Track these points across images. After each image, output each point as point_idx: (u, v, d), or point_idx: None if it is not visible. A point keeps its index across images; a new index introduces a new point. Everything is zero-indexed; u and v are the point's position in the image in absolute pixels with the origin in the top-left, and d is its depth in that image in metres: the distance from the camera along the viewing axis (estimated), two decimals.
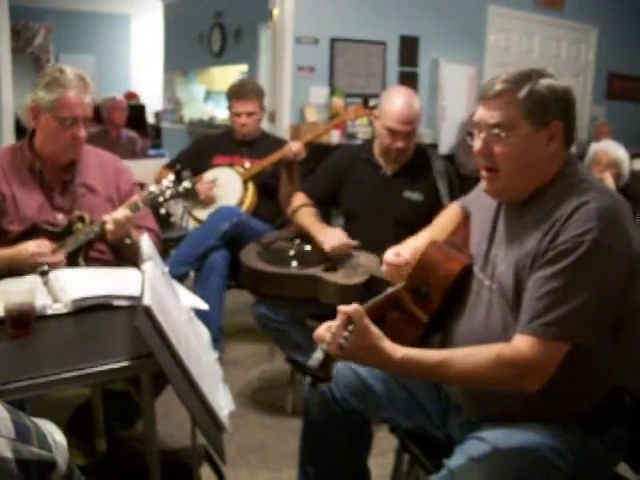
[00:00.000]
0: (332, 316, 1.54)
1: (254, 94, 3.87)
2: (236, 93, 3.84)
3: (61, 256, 2.24)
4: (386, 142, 2.94)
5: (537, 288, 1.50)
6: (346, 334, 1.40)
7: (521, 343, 1.49)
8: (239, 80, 4.01)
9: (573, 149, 5.33)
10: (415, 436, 1.90)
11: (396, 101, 2.91)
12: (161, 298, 1.49)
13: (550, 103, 1.56)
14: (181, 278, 3.34)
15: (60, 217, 2.36)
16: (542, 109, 1.55)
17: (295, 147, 3.63)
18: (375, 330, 1.46)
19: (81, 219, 2.34)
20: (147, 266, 1.54)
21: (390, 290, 1.76)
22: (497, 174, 1.61)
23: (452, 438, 1.77)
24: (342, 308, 1.45)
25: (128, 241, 2.36)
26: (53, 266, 2.16)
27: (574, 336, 1.47)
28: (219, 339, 3.32)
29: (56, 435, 1.01)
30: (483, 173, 1.65)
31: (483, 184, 1.68)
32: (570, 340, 1.48)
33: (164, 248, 3.56)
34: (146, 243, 1.74)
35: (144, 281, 1.46)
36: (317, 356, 1.41)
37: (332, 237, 2.87)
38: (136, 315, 1.38)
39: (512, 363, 1.47)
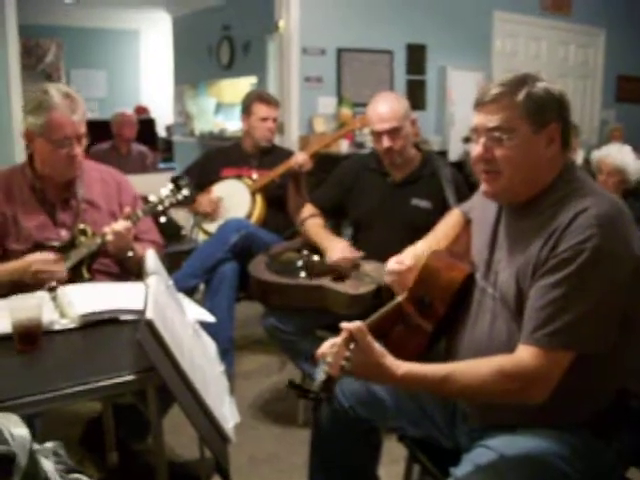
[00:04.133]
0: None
1: (275, 100, 3.93)
2: (261, 98, 3.85)
3: (62, 265, 2.26)
4: (377, 147, 2.98)
5: (539, 297, 1.50)
6: (348, 354, 1.41)
7: (525, 354, 1.48)
8: (256, 89, 4.02)
9: (582, 153, 5.26)
10: (424, 444, 1.90)
11: (374, 104, 2.99)
12: (164, 312, 1.50)
13: (547, 105, 1.57)
14: (191, 291, 3.35)
15: (63, 233, 2.39)
16: (540, 111, 1.56)
17: (300, 158, 3.64)
18: (378, 347, 1.47)
19: (83, 232, 2.36)
20: (151, 280, 1.56)
21: (392, 303, 1.77)
22: (498, 177, 1.60)
23: (460, 446, 1.77)
24: (345, 325, 1.46)
25: (130, 254, 2.37)
26: (55, 276, 2.19)
27: (578, 345, 1.47)
28: (230, 351, 3.32)
29: (14, 429, 1.01)
30: (483, 176, 1.65)
31: (483, 187, 1.68)
32: (574, 349, 1.47)
33: (175, 260, 3.58)
34: (151, 257, 1.75)
35: (147, 295, 1.47)
36: (319, 377, 1.41)
37: (335, 250, 2.87)
38: (138, 329, 1.39)
39: (515, 375, 1.47)
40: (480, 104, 1.61)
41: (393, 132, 2.91)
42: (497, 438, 1.58)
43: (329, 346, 1.48)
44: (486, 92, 1.59)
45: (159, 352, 1.37)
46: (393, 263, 1.92)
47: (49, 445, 1.13)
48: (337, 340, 1.46)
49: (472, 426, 1.72)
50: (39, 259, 2.21)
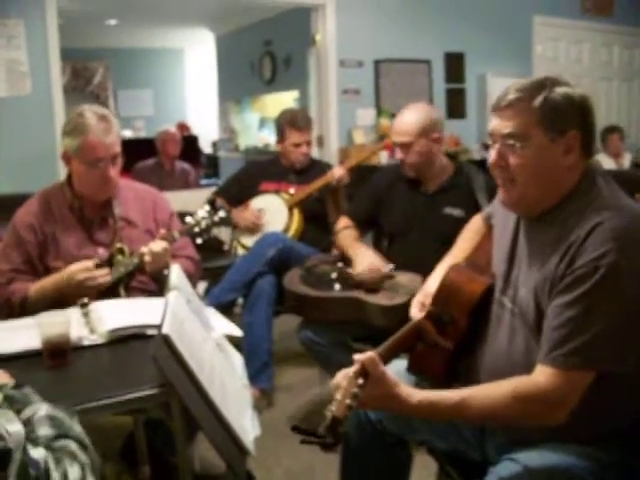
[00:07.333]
0: (377, 337, 1.53)
1: (308, 123, 3.91)
2: (293, 124, 3.83)
3: (106, 269, 2.30)
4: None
5: (555, 316, 1.46)
6: (355, 390, 1.39)
7: (541, 376, 1.46)
8: (287, 110, 4.02)
9: (629, 157, 5.11)
10: (454, 458, 1.87)
11: (398, 115, 3.01)
12: (182, 326, 1.52)
13: (566, 112, 1.51)
14: (229, 305, 3.38)
15: (101, 251, 2.43)
16: (558, 118, 1.50)
17: (338, 173, 3.66)
18: (390, 377, 1.46)
19: (121, 251, 2.40)
20: (171, 295, 1.58)
21: (409, 324, 1.75)
22: (512, 185, 1.57)
23: (489, 459, 1.73)
24: (357, 357, 1.45)
25: (166, 272, 2.40)
26: (100, 280, 2.25)
27: (595, 365, 1.43)
28: (269, 364, 3.34)
29: (9, 425, 1.03)
30: (499, 184, 1.62)
31: (500, 195, 1.65)
32: (592, 369, 1.43)
33: (216, 275, 3.62)
34: (175, 272, 1.78)
35: (166, 310, 1.50)
36: (325, 419, 1.38)
37: (362, 261, 2.86)
38: (152, 344, 1.42)
39: (531, 398, 1.45)
40: (497, 109, 1.57)
41: (404, 146, 2.93)
42: (525, 452, 1.54)
43: (342, 376, 1.47)
44: (504, 96, 1.55)
45: (175, 366, 1.39)
46: (416, 310, 1.89)
47: (42, 413, 1.15)
48: (349, 371, 1.45)
49: (501, 440, 1.69)
50: (80, 268, 2.26)
